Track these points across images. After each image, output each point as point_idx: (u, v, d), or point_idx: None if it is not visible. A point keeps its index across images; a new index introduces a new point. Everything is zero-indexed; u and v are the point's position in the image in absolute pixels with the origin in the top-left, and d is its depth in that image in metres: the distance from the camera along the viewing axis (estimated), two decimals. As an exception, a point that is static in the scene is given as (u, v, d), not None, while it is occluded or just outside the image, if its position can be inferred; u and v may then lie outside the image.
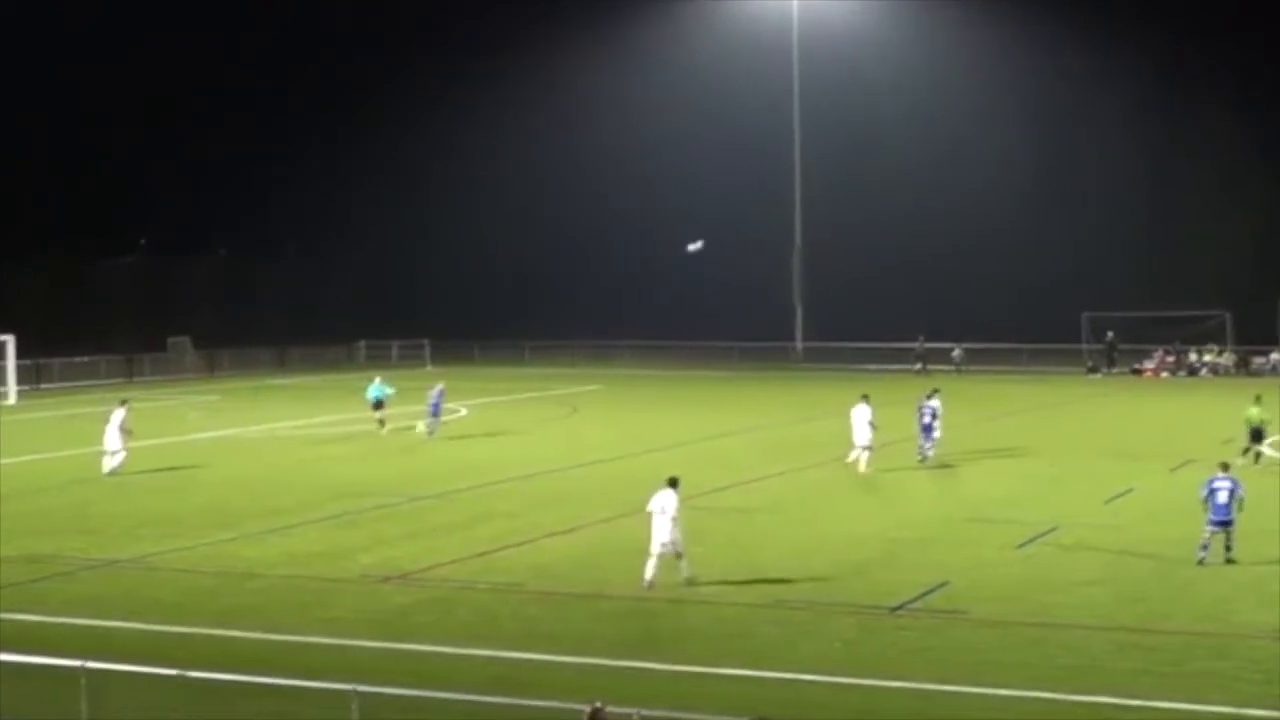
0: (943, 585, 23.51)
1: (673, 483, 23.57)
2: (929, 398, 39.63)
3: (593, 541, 28.11)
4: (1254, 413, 38.91)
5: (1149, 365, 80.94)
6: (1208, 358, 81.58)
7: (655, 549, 23.11)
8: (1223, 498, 24.68)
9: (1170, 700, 17.09)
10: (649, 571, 23.09)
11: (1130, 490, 34.21)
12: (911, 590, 23.09)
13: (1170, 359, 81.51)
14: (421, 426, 46.56)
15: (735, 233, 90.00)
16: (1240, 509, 24.78)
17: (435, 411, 46.47)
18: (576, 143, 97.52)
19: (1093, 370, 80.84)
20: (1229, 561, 24.49)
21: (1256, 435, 38.36)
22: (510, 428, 48.79)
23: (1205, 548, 24.71)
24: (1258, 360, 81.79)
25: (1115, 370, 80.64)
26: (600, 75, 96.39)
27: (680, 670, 18.66)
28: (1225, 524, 24.65)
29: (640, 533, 23.71)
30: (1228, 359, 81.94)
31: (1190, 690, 17.56)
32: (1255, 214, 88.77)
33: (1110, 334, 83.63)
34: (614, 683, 17.94)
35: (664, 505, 23.22)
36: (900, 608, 22.09)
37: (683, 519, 23.42)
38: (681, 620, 21.64)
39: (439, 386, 47.13)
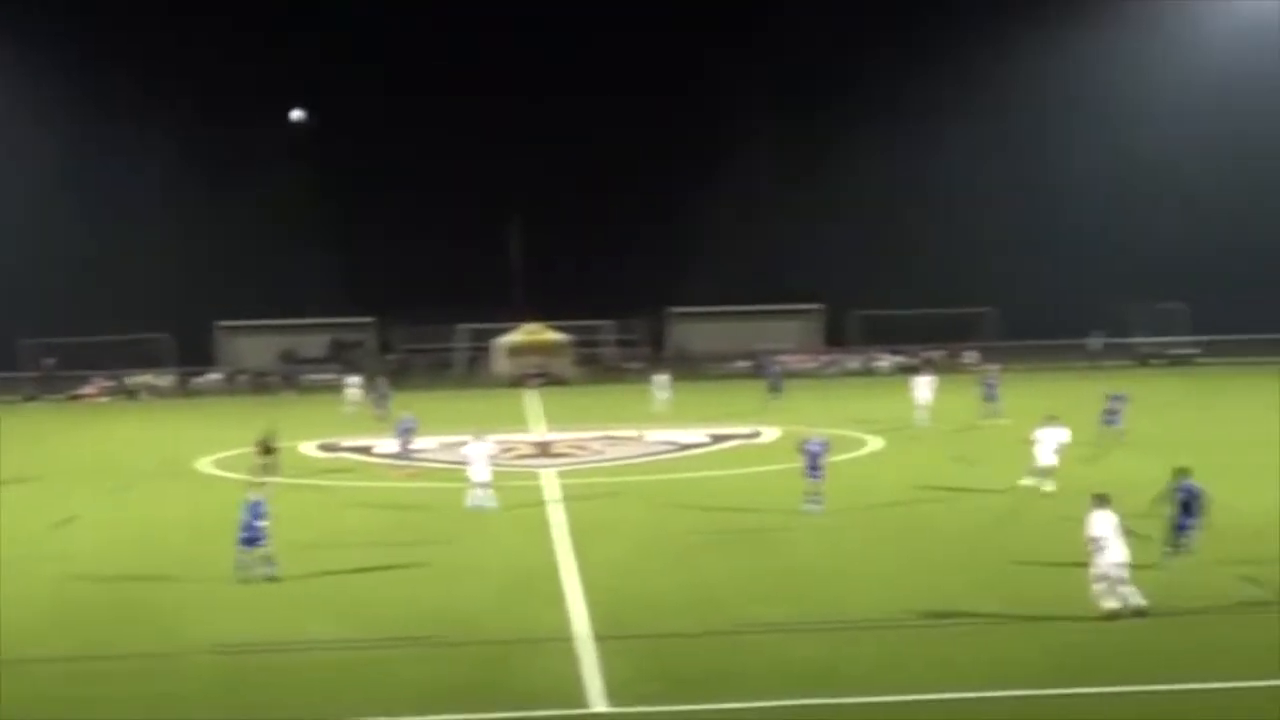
0: None
1: None
2: None
3: None
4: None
5: (89, 390, 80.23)
6: (147, 380, 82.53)
7: None
8: (247, 515, 24.56)
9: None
10: None
11: (77, 515, 33.33)
12: None
13: (110, 384, 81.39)
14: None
15: None
16: (264, 522, 24.81)
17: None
18: None
19: (31, 398, 78.75)
20: (271, 579, 24.35)
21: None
22: None
23: (241, 567, 24.51)
24: (197, 380, 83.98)
25: (54, 396, 79.17)
26: None
27: None
28: (254, 541, 24.56)
29: None
30: (167, 381, 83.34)
31: (145, 709, 17.34)
32: (195, 236, 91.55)
33: (50, 360, 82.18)
34: None
35: None
36: None
37: None
38: None
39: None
